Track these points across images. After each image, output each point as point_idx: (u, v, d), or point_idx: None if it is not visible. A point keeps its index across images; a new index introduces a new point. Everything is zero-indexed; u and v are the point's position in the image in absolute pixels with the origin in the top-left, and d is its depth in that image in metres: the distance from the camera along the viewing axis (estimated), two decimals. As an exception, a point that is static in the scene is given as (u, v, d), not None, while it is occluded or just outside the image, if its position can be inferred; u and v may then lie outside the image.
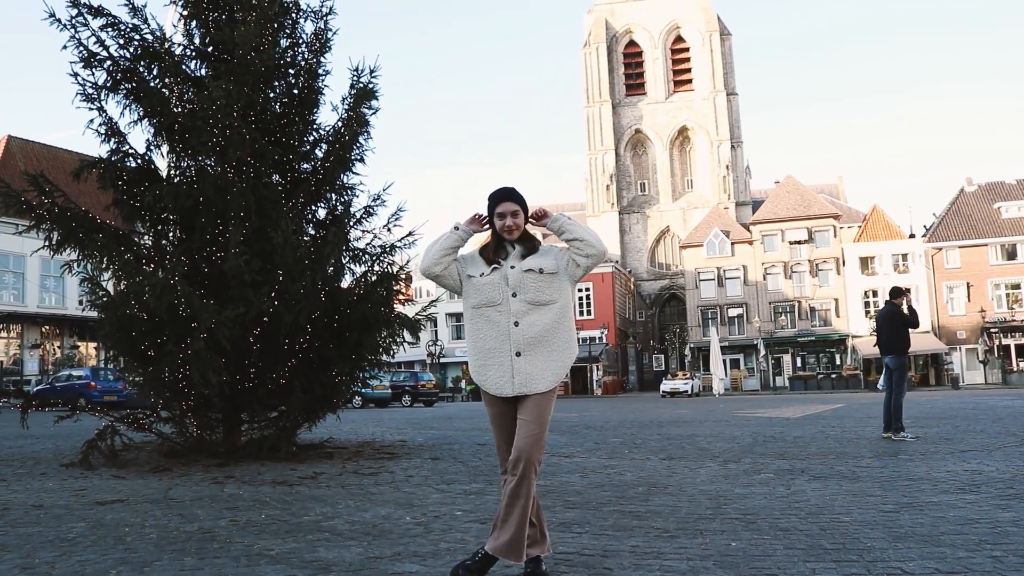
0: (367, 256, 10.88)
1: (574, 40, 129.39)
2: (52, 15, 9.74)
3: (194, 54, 10.81)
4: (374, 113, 11.00)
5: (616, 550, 4.25)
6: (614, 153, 75.74)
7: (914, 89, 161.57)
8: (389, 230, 11.06)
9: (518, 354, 3.63)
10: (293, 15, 11.03)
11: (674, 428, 14.56)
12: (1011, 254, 55.03)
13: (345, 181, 10.99)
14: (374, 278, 10.50)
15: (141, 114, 10.20)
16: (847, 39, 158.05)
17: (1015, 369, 52.78)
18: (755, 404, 28.18)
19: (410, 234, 11.04)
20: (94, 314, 10.07)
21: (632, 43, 78.14)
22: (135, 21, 10.20)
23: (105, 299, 9.68)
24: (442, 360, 60.03)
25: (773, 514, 5.23)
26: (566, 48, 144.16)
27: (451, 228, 3.80)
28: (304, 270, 9.59)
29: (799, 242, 59.38)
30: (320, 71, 11.03)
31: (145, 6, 10.31)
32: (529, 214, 3.80)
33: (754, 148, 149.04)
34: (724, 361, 51.25)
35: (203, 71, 10.80)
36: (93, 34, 9.94)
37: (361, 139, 10.89)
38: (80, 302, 10.45)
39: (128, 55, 10.15)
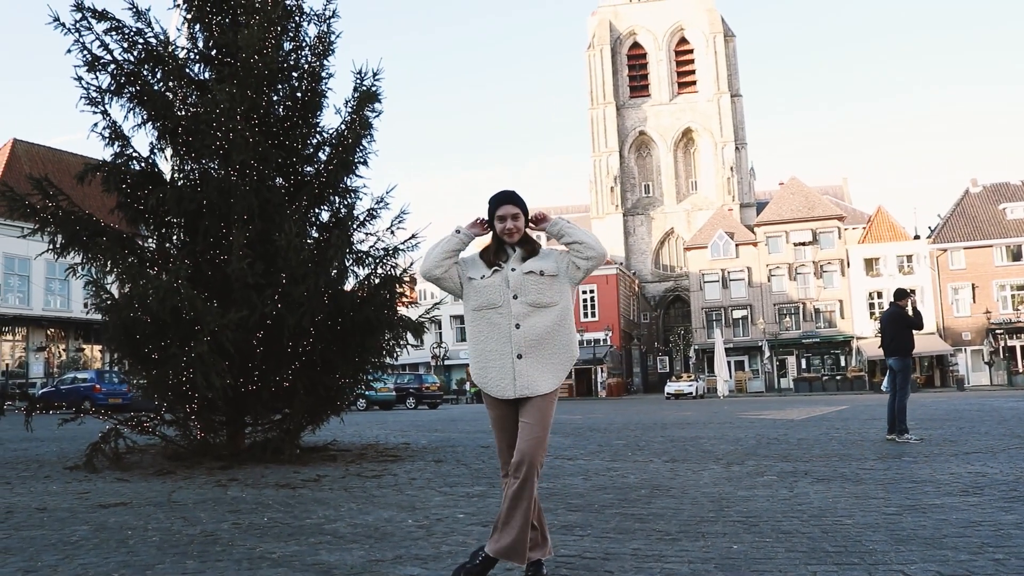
0: (370, 259, 10.90)
1: (578, 42, 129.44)
2: (56, 19, 9.80)
3: (197, 57, 10.84)
4: (377, 116, 11.03)
5: (617, 553, 4.25)
6: (618, 155, 75.71)
7: (919, 91, 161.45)
8: (392, 233, 11.09)
9: (519, 356, 3.64)
10: (296, 18, 11.07)
11: (678, 430, 14.55)
12: (1016, 255, 54.90)
13: (348, 184, 11.02)
14: (377, 281, 10.52)
15: (145, 117, 10.24)
16: (852, 41, 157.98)
17: (1021, 370, 52.59)
18: (759, 406, 28.14)
19: (413, 236, 11.06)
20: (99, 317, 10.10)
21: (636, 45, 78.13)
22: (139, 25, 10.26)
23: (109, 302, 9.72)
24: (446, 362, 60.07)
25: (775, 516, 5.22)
26: (570, 50, 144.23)
27: (452, 231, 3.81)
28: (307, 273, 9.60)
29: (803, 243, 59.29)
30: (323, 74, 11.07)
31: (149, 10, 10.37)
32: (529, 217, 3.81)
33: (758, 150, 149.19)
34: (728, 363, 51.19)
35: (207, 74, 10.83)
36: (97, 38, 9.99)
37: (364, 142, 10.92)
38: (85, 305, 10.48)
39: (132, 59, 10.19)
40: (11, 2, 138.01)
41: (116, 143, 10.19)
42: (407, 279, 10.86)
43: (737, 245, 61.09)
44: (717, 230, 62.09)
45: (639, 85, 77.78)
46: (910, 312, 11.31)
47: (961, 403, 24.67)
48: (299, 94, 10.97)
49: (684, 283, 68.89)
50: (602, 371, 59.51)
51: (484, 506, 5.96)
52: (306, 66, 11.04)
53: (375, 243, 10.99)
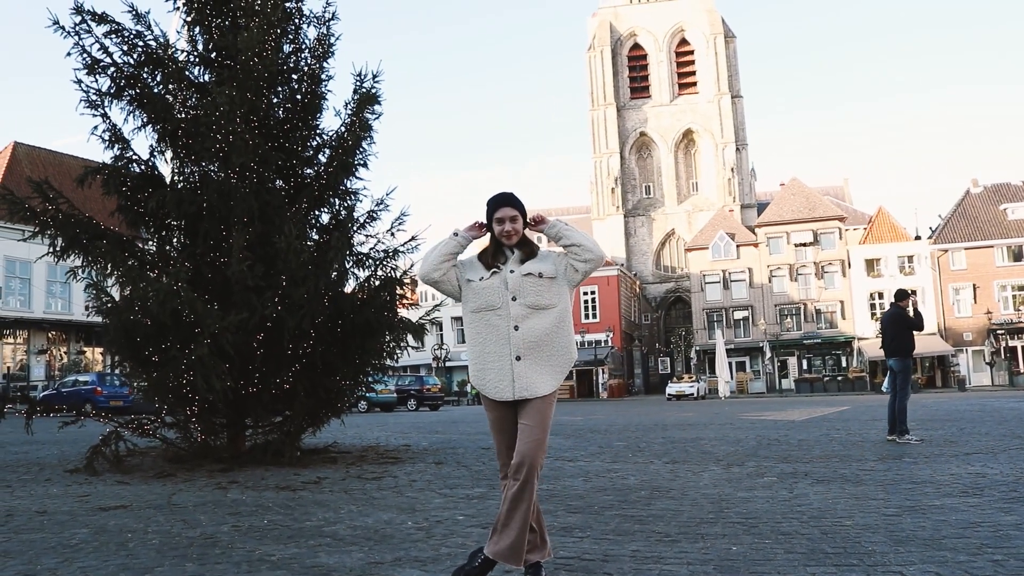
0: (370, 261, 10.90)
1: (578, 43, 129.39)
2: (56, 22, 9.80)
3: (197, 60, 10.85)
4: (377, 118, 11.03)
5: (617, 554, 4.25)
6: (619, 156, 75.75)
7: (919, 91, 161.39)
8: (392, 234, 11.09)
9: (518, 358, 3.64)
10: (296, 20, 11.08)
11: (679, 431, 14.54)
12: (1017, 255, 54.87)
13: (348, 186, 11.02)
14: (377, 283, 10.51)
15: (145, 120, 10.25)
16: (852, 41, 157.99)
17: (1022, 371, 52.57)
18: (760, 407, 28.12)
19: (413, 238, 11.06)
20: (100, 320, 10.11)
21: (637, 46, 78.18)
22: (139, 28, 10.26)
23: (109, 305, 9.73)
24: (448, 364, 60.05)
25: (775, 518, 5.22)
26: (570, 51, 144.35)
27: (450, 234, 3.81)
28: (307, 275, 9.60)
29: (804, 244, 59.27)
30: (323, 76, 11.07)
31: (148, 13, 10.38)
32: (527, 219, 3.81)
33: (759, 151, 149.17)
34: (730, 364, 51.21)
35: (206, 77, 10.84)
36: (97, 41, 9.99)
37: (364, 144, 10.92)
38: (86, 308, 10.49)
39: (132, 61, 10.19)
40: (12, 3, 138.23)
41: (116, 146, 10.19)
42: (407, 281, 10.86)
43: (738, 246, 61.08)
44: (718, 231, 62.09)
45: (640, 86, 77.82)
46: (911, 313, 11.31)
47: (962, 404, 24.65)
48: (299, 96, 10.97)
49: (685, 284, 68.91)
50: (603, 372, 59.50)
51: (484, 508, 5.96)
52: (306, 68, 11.05)
53: (375, 245, 11.00)
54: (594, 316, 62.39)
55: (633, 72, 78.08)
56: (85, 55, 9.92)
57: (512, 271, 3.71)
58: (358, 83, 11.02)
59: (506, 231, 3.73)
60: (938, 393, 43.57)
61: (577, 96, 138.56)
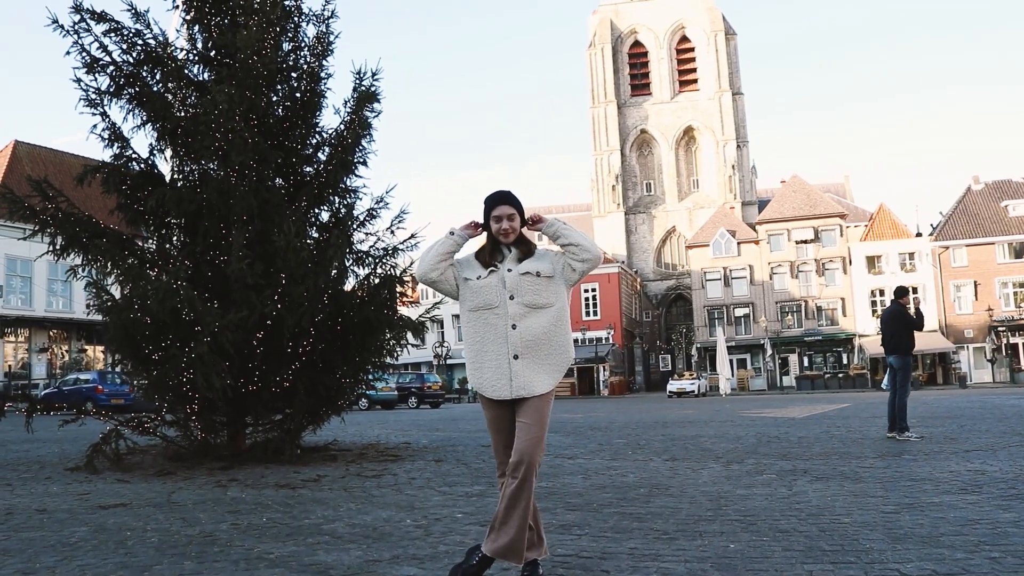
0: (370, 259, 10.91)
1: (578, 41, 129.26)
2: (55, 21, 9.80)
3: (197, 58, 10.85)
4: (376, 116, 11.03)
5: (614, 552, 4.26)
6: (620, 154, 75.71)
7: (919, 90, 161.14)
8: (392, 232, 11.09)
9: (516, 357, 3.64)
10: (295, 19, 11.07)
11: (679, 429, 14.55)
12: (1019, 252, 54.82)
13: (348, 184, 11.02)
14: (377, 281, 10.52)
15: (144, 119, 10.25)
16: (854, 40, 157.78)
17: (1023, 368, 52.55)
18: (761, 404, 28.13)
19: (413, 236, 11.05)
20: (100, 318, 10.11)
21: (637, 43, 78.12)
22: (138, 26, 10.26)
23: (109, 303, 9.73)
24: (448, 362, 60.07)
25: (773, 515, 5.22)
26: (570, 49, 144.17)
27: (446, 233, 3.81)
28: (307, 273, 9.61)
29: (805, 241, 59.25)
30: (322, 74, 11.07)
31: (148, 11, 10.37)
32: (525, 218, 3.81)
33: (760, 148, 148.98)
34: (731, 361, 51.19)
35: (206, 75, 10.84)
36: (96, 39, 9.99)
37: (364, 142, 10.92)
38: (87, 306, 10.49)
39: (131, 60, 10.19)
40: (12, 3, 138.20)
41: (116, 144, 10.20)
42: (408, 279, 10.86)
43: (739, 243, 61.05)
44: (719, 228, 62.06)
45: (640, 83, 77.78)
46: (912, 311, 11.31)
47: (963, 401, 24.65)
48: (298, 94, 10.97)
49: (686, 281, 68.89)
50: (604, 370, 59.52)
51: (483, 505, 5.96)
52: (305, 66, 11.04)
53: (375, 243, 11.00)
54: (595, 313, 62.38)
55: (634, 69, 78.03)
56: (84, 54, 9.92)
57: (510, 270, 3.71)
58: (357, 81, 11.02)
59: (504, 229, 3.73)
60: (939, 390, 43.57)
61: (577, 95, 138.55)
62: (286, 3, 10.89)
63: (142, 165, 10.39)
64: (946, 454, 8.70)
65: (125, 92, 10.14)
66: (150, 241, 10.64)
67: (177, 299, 8.84)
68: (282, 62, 10.85)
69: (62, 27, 9.82)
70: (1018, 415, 15.21)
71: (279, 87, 10.91)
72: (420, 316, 11.29)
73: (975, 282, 54.90)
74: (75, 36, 9.88)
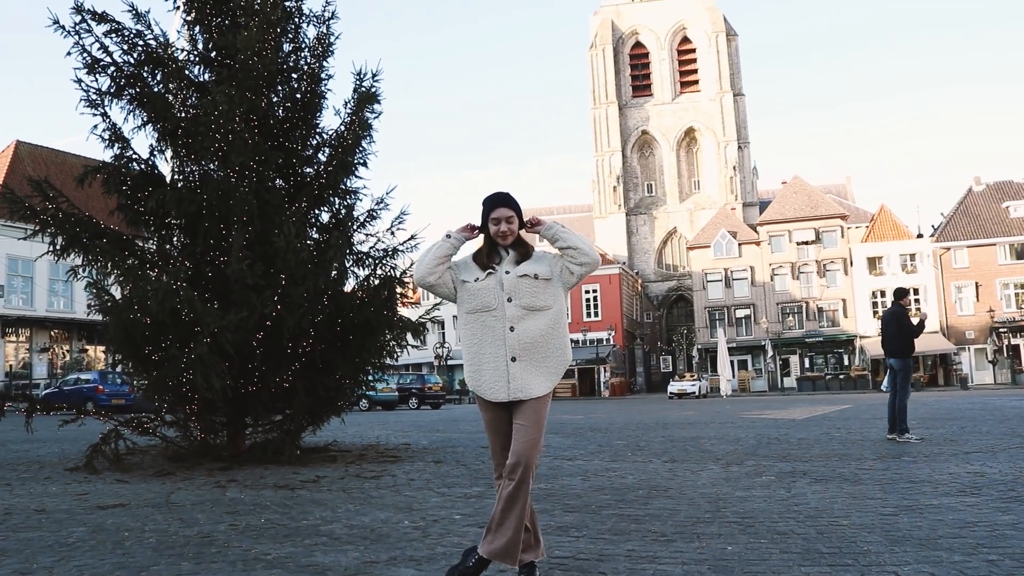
0: (370, 260, 10.92)
1: (579, 42, 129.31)
2: (56, 22, 9.81)
3: (197, 59, 10.85)
4: (377, 117, 11.04)
5: (612, 554, 4.26)
6: (621, 154, 75.69)
7: (920, 91, 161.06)
8: (392, 233, 11.10)
9: (513, 359, 3.64)
10: (295, 20, 11.09)
11: (679, 430, 14.54)
12: (1020, 253, 54.76)
13: (348, 185, 11.03)
14: (377, 281, 10.52)
15: (145, 119, 10.26)
16: (854, 40, 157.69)
17: (1024, 369, 52.56)
18: (762, 405, 28.12)
19: (413, 237, 11.06)
20: (101, 318, 10.12)
21: (638, 44, 78.11)
22: (139, 27, 10.27)
23: (109, 303, 9.73)
24: (449, 363, 60.02)
25: (771, 517, 5.22)
26: (571, 50, 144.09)
27: (443, 236, 3.81)
28: (307, 274, 9.61)
29: (806, 243, 59.21)
30: (323, 75, 11.08)
31: (148, 12, 10.38)
32: (523, 220, 3.81)
33: (761, 149, 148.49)
34: (731, 362, 51.22)
35: (206, 76, 10.85)
36: (97, 40, 10.00)
37: (364, 143, 10.93)
38: (88, 306, 10.51)
39: (132, 61, 10.20)
40: (13, 3, 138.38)
41: (116, 145, 10.21)
42: (408, 280, 10.86)
43: (740, 244, 61.01)
44: (720, 229, 62.03)
45: (641, 84, 77.75)
46: (916, 322, 11.31)
47: (963, 402, 24.63)
48: (298, 95, 10.98)
49: (687, 282, 68.87)
50: (605, 371, 59.46)
51: (481, 507, 5.96)
52: (305, 67, 11.05)
53: (375, 244, 11.02)
54: (596, 315, 62.35)
55: (635, 70, 78.01)
56: (85, 54, 9.93)
57: (507, 272, 3.71)
58: (358, 82, 11.03)
59: (502, 231, 3.73)
60: (940, 392, 43.53)
61: (577, 95, 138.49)
62: (287, 4, 10.90)
63: (142, 166, 10.40)
64: (946, 456, 8.70)
65: (126, 93, 10.15)
66: (150, 242, 10.65)
67: (177, 300, 8.84)
68: (282, 63, 10.86)
69: (63, 28, 9.84)
70: (1019, 416, 15.19)
71: (279, 88, 10.92)
72: (420, 317, 11.31)
73: (976, 283, 54.85)
74: (76, 37, 9.89)
